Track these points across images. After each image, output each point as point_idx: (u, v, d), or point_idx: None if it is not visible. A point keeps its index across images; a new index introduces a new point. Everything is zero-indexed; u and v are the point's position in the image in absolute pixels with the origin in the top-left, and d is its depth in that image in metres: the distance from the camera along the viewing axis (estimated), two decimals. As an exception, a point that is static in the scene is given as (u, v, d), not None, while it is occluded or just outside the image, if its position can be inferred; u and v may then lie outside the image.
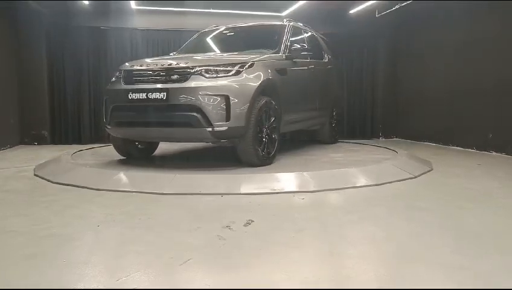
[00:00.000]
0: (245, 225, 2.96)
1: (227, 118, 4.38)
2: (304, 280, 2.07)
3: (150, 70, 4.66)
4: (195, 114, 4.32)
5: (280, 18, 8.59)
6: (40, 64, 8.07)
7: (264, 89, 4.79)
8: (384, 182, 4.35)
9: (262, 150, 4.79)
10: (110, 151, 6.51)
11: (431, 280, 2.07)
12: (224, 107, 4.36)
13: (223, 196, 3.85)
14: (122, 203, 3.64)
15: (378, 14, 8.38)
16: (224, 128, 4.38)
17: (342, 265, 2.28)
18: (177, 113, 4.41)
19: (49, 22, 8.00)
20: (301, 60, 5.87)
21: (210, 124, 4.33)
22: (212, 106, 4.34)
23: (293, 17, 8.61)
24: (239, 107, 4.44)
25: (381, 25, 8.88)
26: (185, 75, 4.46)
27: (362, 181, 4.32)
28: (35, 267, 2.24)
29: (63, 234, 2.79)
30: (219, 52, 5.93)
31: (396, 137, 9.44)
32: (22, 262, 2.31)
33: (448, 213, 3.34)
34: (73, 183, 4.26)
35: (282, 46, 5.53)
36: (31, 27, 7.88)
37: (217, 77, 4.46)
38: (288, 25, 5.96)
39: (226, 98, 4.37)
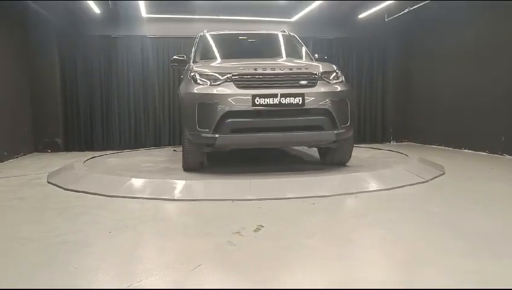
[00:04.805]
0: (255, 231, 2.96)
1: (347, 121, 4.76)
2: (314, 284, 2.06)
3: (275, 75, 4.55)
4: (326, 118, 4.57)
5: (289, 24, 8.61)
6: (52, 72, 8.19)
7: None
8: (396, 186, 4.32)
9: None
10: (121, 158, 6.58)
11: (442, 283, 2.05)
12: (346, 110, 4.75)
13: (233, 201, 3.86)
14: (133, 210, 3.68)
15: (387, 18, 8.36)
16: (344, 130, 4.70)
17: (352, 269, 2.27)
18: (311, 118, 4.57)
19: (61, 31, 8.14)
20: None
21: (336, 127, 4.62)
22: (339, 109, 4.63)
23: (302, 22, 8.68)
24: (352, 110, 4.82)
25: (391, 29, 8.85)
26: (312, 80, 4.63)
27: (373, 186, 4.30)
28: (46, 273, 2.27)
29: (75, 241, 2.82)
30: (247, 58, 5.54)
31: (407, 141, 9.37)
32: (34, 269, 2.34)
33: (460, 217, 3.30)
34: (86, 190, 4.31)
35: (311, 56, 5.66)
36: (43, 36, 8.01)
37: (335, 82, 4.76)
38: (296, 35, 6.12)
39: (346, 102, 4.75)
